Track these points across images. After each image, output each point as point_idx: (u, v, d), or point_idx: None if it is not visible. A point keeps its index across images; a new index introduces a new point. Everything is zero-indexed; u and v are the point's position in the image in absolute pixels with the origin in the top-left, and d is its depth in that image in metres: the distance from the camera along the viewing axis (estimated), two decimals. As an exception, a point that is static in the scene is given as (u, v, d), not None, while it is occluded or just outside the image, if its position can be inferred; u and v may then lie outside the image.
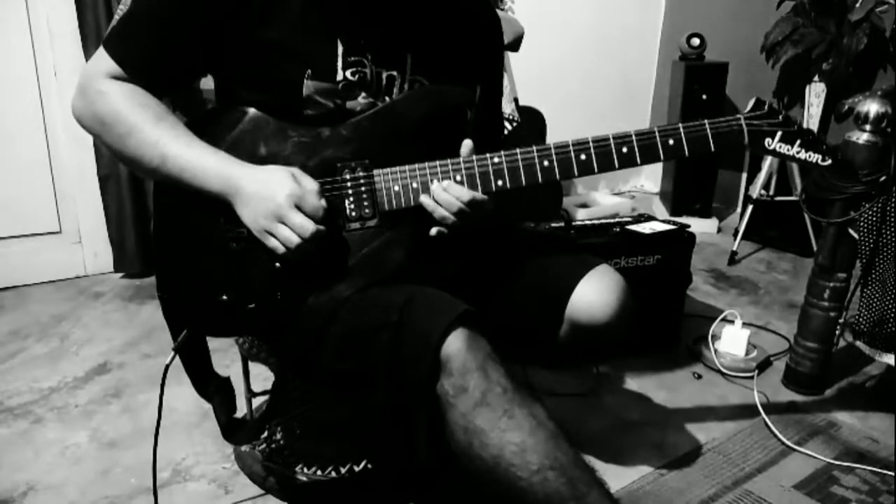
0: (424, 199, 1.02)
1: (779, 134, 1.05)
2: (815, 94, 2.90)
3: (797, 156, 1.05)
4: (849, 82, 2.80)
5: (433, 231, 1.03)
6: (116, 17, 1.65)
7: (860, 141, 1.64)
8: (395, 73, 1.06)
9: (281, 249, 0.96)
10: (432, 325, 0.89)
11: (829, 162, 1.06)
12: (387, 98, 1.06)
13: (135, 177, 2.48)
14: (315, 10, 1.00)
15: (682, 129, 1.04)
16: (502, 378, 0.89)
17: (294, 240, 0.94)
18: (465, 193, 1.01)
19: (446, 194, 1.01)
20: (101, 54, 0.99)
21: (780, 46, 2.87)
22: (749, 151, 1.00)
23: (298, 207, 0.94)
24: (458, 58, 1.12)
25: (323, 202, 0.97)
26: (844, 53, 2.72)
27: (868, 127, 1.63)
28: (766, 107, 1.05)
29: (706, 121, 1.05)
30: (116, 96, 0.98)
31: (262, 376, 1.69)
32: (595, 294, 1.09)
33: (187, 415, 1.67)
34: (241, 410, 1.54)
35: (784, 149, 1.05)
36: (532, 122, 2.97)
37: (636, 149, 1.03)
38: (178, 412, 1.67)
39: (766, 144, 1.05)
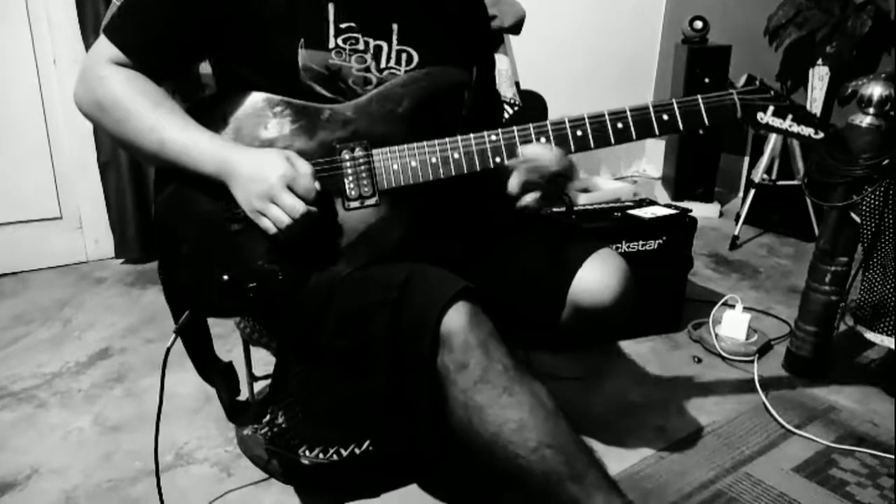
0: (513, 164, 1.03)
1: (771, 108, 1.07)
2: (819, 77, 2.88)
3: (790, 129, 1.08)
4: (852, 65, 2.79)
5: (527, 199, 1.05)
6: (114, 2, 1.65)
7: (863, 124, 1.63)
8: (382, 42, 1.07)
9: (272, 230, 0.96)
10: (432, 300, 0.89)
11: (821, 135, 1.08)
12: (374, 69, 1.06)
13: (135, 164, 2.48)
14: None
15: (675, 104, 1.06)
16: (504, 356, 0.90)
17: (285, 220, 0.95)
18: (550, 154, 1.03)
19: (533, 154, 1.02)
20: (102, 40, 1.00)
21: (783, 29, 2.85)
22: (743, 126, 1.03)
23: (291, 189, 0.95)
24: (443, 31, 1.13)
25: (316, 184, 0.97)
26: (848, 36, 2.70)
27: (871, 110, 1.62)
28: (757, 82, 1.08)
29: (699, 96, 1.07)
30: (115, 82, 0.98)
31: (264, 360, 1.70)
32: (598, 278, 1.10)
33: (189, 399, 1.68)
34: (244, 394, 1.55)
35: (777, 122, 1.08)
36: (533, 105, 2.95)
37: (631, 124, 1.05)
38: (180, 396, 1.68)
39: (759, 118, 1.08)
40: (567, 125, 1.04)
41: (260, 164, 0.95)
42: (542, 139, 1.04)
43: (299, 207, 0.94)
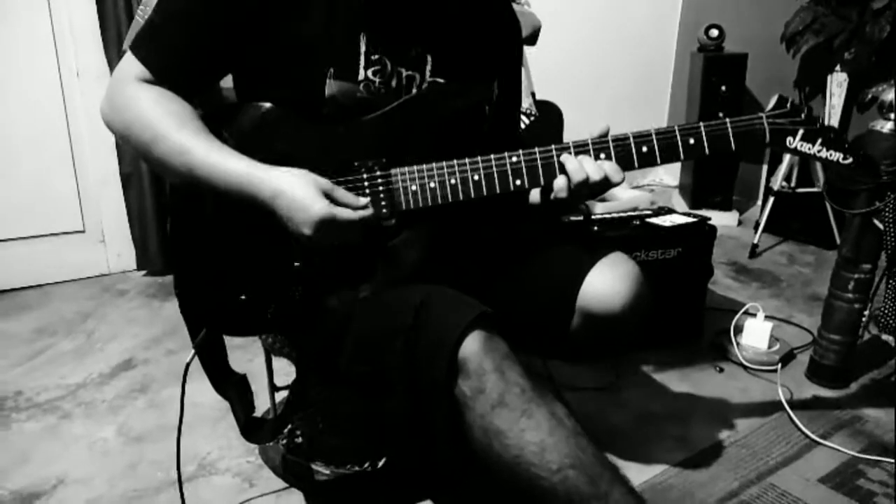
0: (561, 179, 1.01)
1: (800, 132, 1.03)
2: (837, 83, 2.86)
3: (818, 154, 1.04)
4: (871, 71, 2.76)
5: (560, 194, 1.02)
6: (137, 18, 1.67)
7: (884, 130, 1.61)
8: (414, 73, 1.06)
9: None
10: (448, 327, 0.88)
11: (850, 160, 1.04)
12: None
13: (157, 177, 2.51)
14: (339, 6, 1.00)
15: (702, 128, 1.02)
16: (520, 378, 0.89)
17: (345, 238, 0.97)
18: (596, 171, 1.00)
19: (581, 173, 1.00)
20: (129, 58, 0.99)
21: (800, 36, 2.84)
22: (770, 150, 0.98)
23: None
24: (476, 59, 1.12)
25: (361, 210, 0.97)
26: (867, 42, 2.68)
27: (892, 116, 1.61)
28: (788, 104, 1.03)
29: (727, 119, 1.02)
30: (143, 102, 0.97)
31: (285, 371, 1.71)
32: (607, 283, 1.07)
33: (211, 409, 1.69)
34: (265, 405, 1.56)
35: (805, 147, 1.03)
36: (549, 116, 2.96)
37: (656, 148, 1.01)
38: (202, 406, 1.69)
39: (788, 143, 1.03)
40: (590, 148, 1.01)
41: (299, 203, 0.93)
42: (603, 155, 1.02)
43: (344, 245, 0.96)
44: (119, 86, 0.99)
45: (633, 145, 1.01)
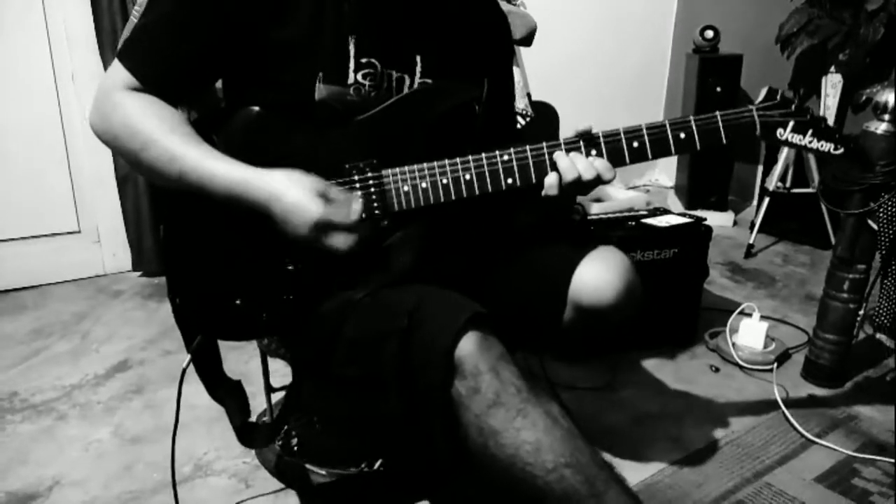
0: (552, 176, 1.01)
1: (791, 123, 1.03)
2: (832, 85, 2.87)
3: (809, 145, 1.04)
4: (866, 73, 2.77)
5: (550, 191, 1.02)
6: (132, 18, 1.67)
7: (878, 131, 1.62)
8: (404, 75, 1.06)
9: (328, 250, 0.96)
10: (443, 329, 0.88)
11: (841, 150, 1.04)
12: None
13: (152, 177, 2.51)
14: (327, 10, 0.99)
15: (693, 122, 1.02)
16: (515, 378, 0.89)
17: (340, 249, 0.96)
18: (589, 170, 1.00)
19: (574, 170, 1.00)
20: (116, 66, 0.98)
21: (795, 37, 2.85)
22: (762, 142, 0.97)
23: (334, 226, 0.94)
24: (466, 58, 1.12)
25: (354, 211, 0.96)
26: (861, 44, 2.69)
27: (886, 117, 1.62)
28: (778, 96, 1.03)
29: (718, 112, 1.03)
30: (131, 109, 0.96)
31: (281, 372, 1.71)
32: (597, 274, 1.07)
33: (208, 410, 1.69)
34: (262, 406, 1.56)
35: (796, 139, 1.03)
36: (545, 116, 2.96)
37: (647, 143, 1.01)
38: (198, 408, 1.68)
39: (779, 135, 1.03)
40: (582, 145, 1.01)
41: (294, 207, 0.93)
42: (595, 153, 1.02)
43: (342, 247, 0.95)
44: (106, 94, 0.98)
45: (623, 141, 1.01)
